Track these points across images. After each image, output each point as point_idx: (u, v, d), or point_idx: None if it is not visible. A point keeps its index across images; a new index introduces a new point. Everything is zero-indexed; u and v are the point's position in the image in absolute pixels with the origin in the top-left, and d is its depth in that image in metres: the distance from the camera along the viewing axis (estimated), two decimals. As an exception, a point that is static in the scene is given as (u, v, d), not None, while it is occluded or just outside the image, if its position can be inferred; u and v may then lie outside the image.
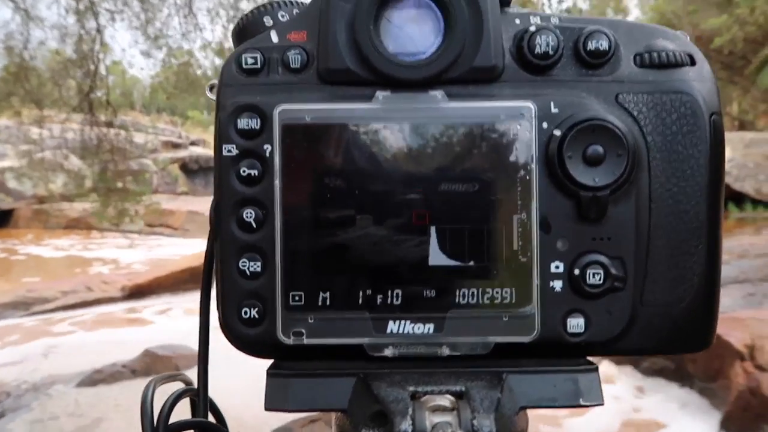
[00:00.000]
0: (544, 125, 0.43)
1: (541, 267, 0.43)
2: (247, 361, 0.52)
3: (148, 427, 0.50)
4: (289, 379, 0.44)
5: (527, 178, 0.43)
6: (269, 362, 0.47)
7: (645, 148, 0.45)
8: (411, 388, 0.42)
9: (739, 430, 4.32)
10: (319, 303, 0.44)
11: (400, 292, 0.43)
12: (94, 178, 6.89)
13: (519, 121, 0.43)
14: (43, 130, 7.33)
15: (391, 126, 0.43)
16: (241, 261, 0.44)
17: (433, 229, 0.43)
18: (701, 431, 4.49)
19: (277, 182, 0.44)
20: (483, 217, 0.43)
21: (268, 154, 0.44)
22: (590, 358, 0.46)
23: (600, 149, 0.43)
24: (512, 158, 0.43)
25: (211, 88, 0.48)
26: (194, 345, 0.60)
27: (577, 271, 0.43)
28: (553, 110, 0.44)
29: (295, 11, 0.48)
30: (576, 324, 0.44)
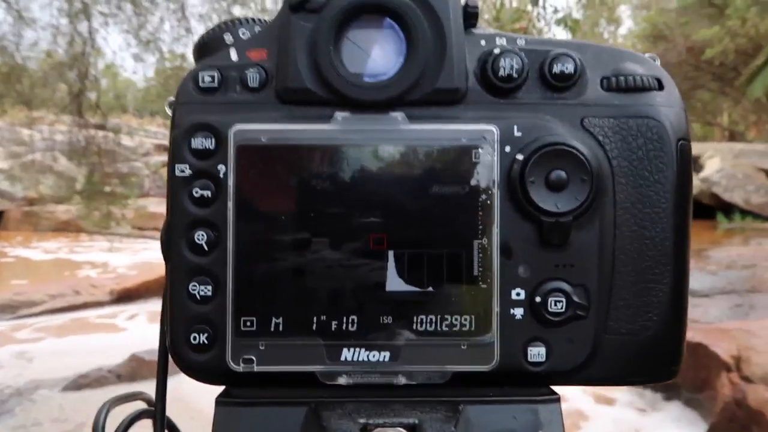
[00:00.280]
0: (507, 149, 0.43)
1: (501, 294, 0.42)
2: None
3: None
4: (239, 408, 0.43)
5: (489, 202, 0.42)
6: None
7: (610, 174, 0.44)
8: (362, 420, 0.41)
9: (726, 441, 4.33)
10: (271, 329, 0.42)
11: (355, 318, 0.42)
12: (83, 181, 6.86)
13: (481, 144, 0.42)
14: (33, 132, 7.29)
15: (349, 148, 0.42)
16: (191, 284, 0.43)
17: (390, 254, 0.42)
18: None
19: (230, 204, 0.42)
20: (442, 241, 0.42)
21: (222, 175, 0.43)
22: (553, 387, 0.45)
23: (563, 174, 0.42)
24: (474, 182, 0.42)
25: (170, 105, 0.47)
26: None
27: (538, 299, 0.42)
28: (516, 134, 0.43)
29: (257, 29, 0.47)
30: (537, 353, 0.43)
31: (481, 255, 0.42)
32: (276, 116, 0.43)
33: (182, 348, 0.43)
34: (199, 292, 0.43)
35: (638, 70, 0.45)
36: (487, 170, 0.42)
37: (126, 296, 8.46)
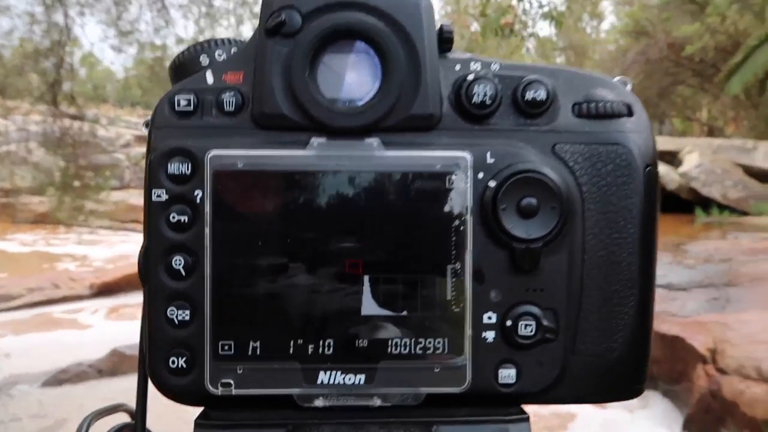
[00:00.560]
0: (480, 175, 0.43)
1: (473, 318, 0.43)
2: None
3: None
4: (217, 431, 0.43)
5: (462, 228, 0.43)
6: None
7: (580, 199, 0.45)
8: None
9: (700, 431, 4.43)
10: (249, 353, 0.43)
11: (332, 341, 0.43)
12: (58, 173, 6.74)
13: (455, 171, 0.43)
14: (8, 122, 7.15)
15: (325, 174, 0.43)
16: (169, 309, 0.43)
17: (366, 279, 0.43)
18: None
19: (207, 229, 0.43)
20: (417, 266, 0.43)
21: (198, 200, 0.43)
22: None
23: (534, 202, 0.43)
24: (447, 208, 0.43)
25: (147, 125, 0.47)
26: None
27: (509, 322, 0.43)
28: (489, 160, 0.44)
29: (233, 50, 0.47)
30: (507, 375, 0.44)
31: (454, 280, 0.43)
32: (252, 141, 0.44)
33: (161, 371, 0.43)
34: (177, 317, 0.43)
35: (608, 96, 0.46)
36: (461, 196, 0.43)
37: (106, 290, 8.38)
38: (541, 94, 0.45)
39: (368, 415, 0.44)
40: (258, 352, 0.43)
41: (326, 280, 0.43)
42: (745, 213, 11.35)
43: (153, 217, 0.43)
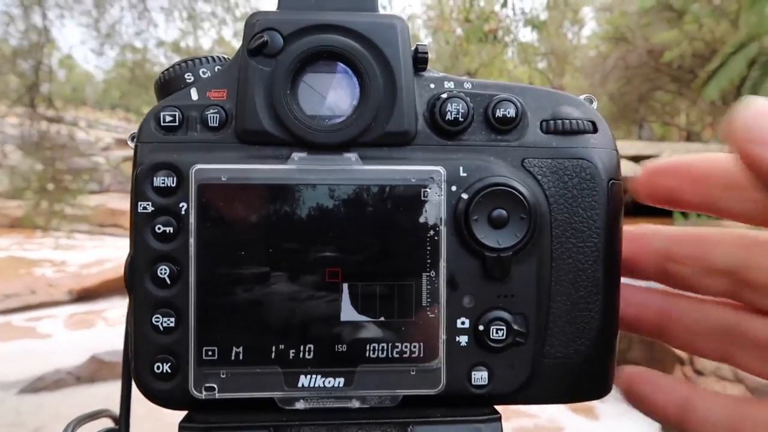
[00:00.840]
0: (453, 188, 0.46)
1: (448, 323, 0.46)
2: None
3: None
4: None
5: (436, 238, 0.45)
6: None
7: (548, 211, 0.47)
8: None
9: (678, 432, 4.50)
10: (232, 358, 0.45)
11: (312, 347, 0.45)
12: (35, 176, 6.64)
13: (429, 184, 0.45)
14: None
15: (306, 187, 0.45)
16: (154, 316, 0.45)
17: (345, 286, 0.45)
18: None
19: (192, 240, 0.44)
20: (393, 274, 0.45)
21: (183, 212, 0.45)
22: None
23: (504, 213, 0.46)
24: (422, 219, 0.45)
25: (133, 138, 0.49)
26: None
27: (481, 327, 0.46)
28: (462, 174, 0.46)
29: (216, 68, 0.49)
30: (480, 377, 0.46)
31: (429, 287, 0.45)
32: (235, 156, 0.46)
33: (146, 376, 0.45)
34: (162, 324, 0.45)
35: (574, 114, 0.49)
36: (435, 208, 0.45)
37: (86, 296, 8.27)
38: (511, 112, 0.47)
39: (347, 416, 0.46)
40: (241, 358, 0.45)
41: (306, 287, 0.45)
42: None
43: (139, 227, 0.45)
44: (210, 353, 0.44)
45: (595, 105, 0.51)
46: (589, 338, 0.48)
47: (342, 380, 0.45)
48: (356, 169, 0.45)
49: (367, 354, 0.45)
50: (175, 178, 0.45)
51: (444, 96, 0.47)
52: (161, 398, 0.45)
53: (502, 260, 0.46)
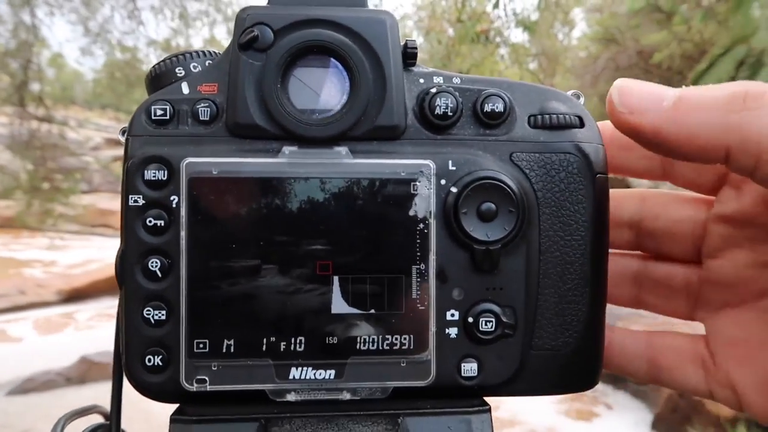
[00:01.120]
0: (442, 182, 0.46)
1: (437, 315, 0.46)
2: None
3: None
4: (192, 425, 0.45)
5: (426, 231, 0.46)
6: None
7: (536, 204, 0.48)
8: None
9: (668, 430, 4.54)
10: (223, 350, 0.45)
11: (303, 339, 0.45)
12: (25, 176, 6.59)
13: (419, 178, 0.46)
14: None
15: (296, 180, 0.45)
16: (145, 309, 0.45)
17: (336, 279, 0.45)
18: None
19: (182, 233, 0.45)
20: (383, 267, 0.46)
21: (174, 205, 0.45)
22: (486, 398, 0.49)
23: (492, 206, 0.46)
24: (412, 212, 0.46)
25: (123, 132, 0.49)
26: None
27: (471, 319, 0.46)
28: (451, 168, 0.46)
29: (207, 62, 0.49)
30: (469, 368, 0.47)
31: (418, 279, 0.46)
32: (226, 149, 0.46)
33: (137, 369, 0.45)
34: (153, 317, 0.45)
35: (561, 109, 0.49)
36: (425, 201, 0.46)
37: (76, 296, 8.21)
38: (499, 107, 0.48)
39: (338, 408, 0.46)
40: (232, 350, 0.45)
41: (297, 280, 0.45)
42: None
43: (130, 221, 0.45)
44: (201, 346, 0.45)
45: (582, 100, 0.51)
46: (577, 330, 0.49)
47: (333, 372, 0.45)
48: (346, 163, 0.46)
49: (357, 346, 0.45)
50: (166, 172, 0.45)
51: (433, 90, 0.47)
52: (152, 391, 0.45)
53: (491, 253, 0.46)
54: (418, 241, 0.46)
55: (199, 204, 0.45)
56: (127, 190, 0.45)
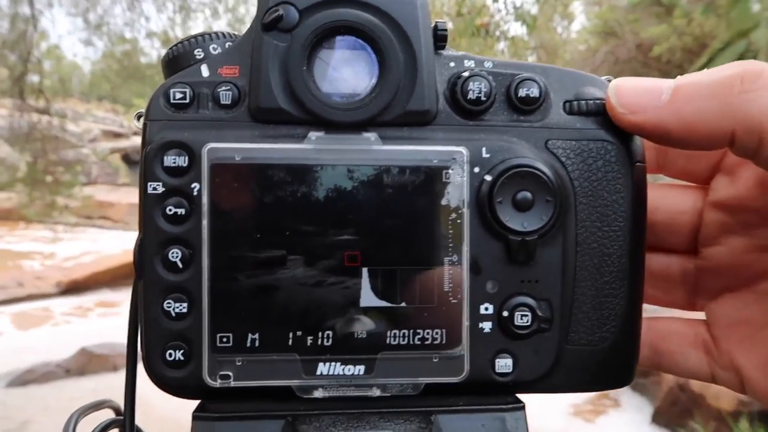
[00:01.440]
0: (476, 170, 0.44)
1: (471, 309, 0.44)
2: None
3: None
4: (215, 423, 0.43)
5: (458, 221, 0.44)
6: None
7: (572, 194, 0.46)
8: None
9: (668, 423, 4.55)
10: (248, 345, 0.43)
11: (330, 333, 0.43)
12: (25, 168, 6.56)
13: (451, 165, 0.44)
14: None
15: (323, 167, 0.43)
16: (166, 302, 0.43)
17: (364, 271, 0.43)
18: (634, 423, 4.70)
19: (204, 222, 0.43)
20: (414, 258, 0.44)
21: (195, 193, 0.43)
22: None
23: (529, 195, 0.44)
24: (444, 201, 0.44)
25: (139, 117, 0.47)
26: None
27: (505, 313, 0.44)
28: (485, 155, 0.44)
29: (227, 44, 0.47)
30: (504, 364, 0.45)
31: (451, 271, 0.44)
32: (249, 135, 0.44)
33: (158, 364, 0.43)
34: (174, 309, 0.43)
35: (597, 94, 0.47)
36: (457, 190, 0.44)
37: (74, 288, 8.19)
38: (534, 92, 0.46)
39: (367, 405, 0.44)
40: (256, 344, 0.43)
41: (324, 272, 0.43)
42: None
43: (149, 209, 0.43)
44: (224, 340, 0.43)
45: None
46: (615, 325, 0.47)
47: (362, 368, 0.44)
48: (376, 150, 0.44)
49: (387, 341, 0.44)
50: (186, 158, 0.43)
51: (465, 74, 0.45)
52: (174, 387, 0.44)
53: (526, 244, 0.44)
54: (451, 231, 0.44)
55: (221, 192, 0.43)
56: (146, 176, 0.43)
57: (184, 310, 0.43)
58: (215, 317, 0.43)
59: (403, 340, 0.44)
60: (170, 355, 0.43)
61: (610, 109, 0.46)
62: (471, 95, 0.45)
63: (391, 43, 0.44)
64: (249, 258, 0.43)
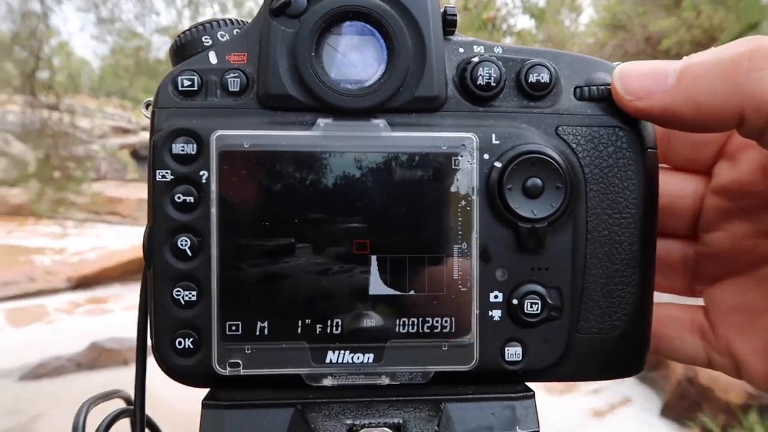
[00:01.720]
0: (486, 156, 0.44)
1: (480, 297, 0.44)
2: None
3: None
4: (225, 411, 0.43)
5: (468, 208, 0.43)
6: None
7: (583, 180, 0.46)
8: (348, 421, 0.42)
9: (677, 417, 4.53)
10: (257, 333, 0.43)
11: (339, 321, 0.43)
12: (36, 164, 6.61)
13: (461, 152, 0.44)
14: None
15: (332, 154, 0.43)
16: (175, 290, 0.43)
17: (373, 259, 0.43)
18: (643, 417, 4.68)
19: (213, 210, 0.43)
20: (423, 246, 0.43)
21: (204, 181, 0.43)
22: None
23: (539, 182, 0.44)
24: (453, 189, 0.43)
25: (147, 106, 0.47)
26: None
27: (515, 301, 0.44)
28: (494, 141, 0.44)
29: (235, 31, 0.46)
30: (514, 353, 0.44)
31: (460, 259, 0.43)
32: (258, 122, 0.44)
33: (167, 352, 0.43)
34: (183, 298, 0.43)
35: (608, 80, 0.47)
36: (467, 177, 0.43)
37: (84, 283, 8.25)
38: (545, 77, 0.45)
39: (376, 393, 0.44)
40: (266, 333, 0.43)
41: (333, 260, 0.43)
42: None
43: (157, 197, 0.43)
44: (234, 328, 0.43)
45: None
46: (625, 313, 0.46)
47: (371, 356, 0.43)
48: (385, 136, 0.43)
49: (397, 329, 0.43)
50: (195, 145, 0.43)
51: (475, 60, 0.45)
52: (183, 375, 0.44)
53: (536, 231, 0.44)
54: (460, 218, 0.43)
55: (230, 179, 0.42)
56: (154, 164, 0.43)
57: (194, 298, 0.43)
58: (224, 305, 0.43)
59: (412, 329, 0.43)
60: (180, 343, 0.43)
61: (615, 95, 0.45)
62: (481, 81, 0.45)
63: (399, 28, 0.44)
64: (258, 246, 0.43)
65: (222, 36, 0.46)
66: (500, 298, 0.44)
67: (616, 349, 0.47)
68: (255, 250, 0.43)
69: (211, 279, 0.42)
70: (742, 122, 0.42)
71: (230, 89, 0.44)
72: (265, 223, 0.43)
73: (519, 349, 0.44)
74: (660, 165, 0.49)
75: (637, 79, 0.44)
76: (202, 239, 0.43)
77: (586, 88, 0.46)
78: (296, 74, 0.43)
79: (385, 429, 0.41)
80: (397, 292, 0.43)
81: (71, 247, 10.44)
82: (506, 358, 0.44)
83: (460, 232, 0.43)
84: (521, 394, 0.45)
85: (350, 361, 0.43)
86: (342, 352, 0.43)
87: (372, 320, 0.43)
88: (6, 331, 6.79)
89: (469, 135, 0.44)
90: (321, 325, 0.43)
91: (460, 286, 0.44)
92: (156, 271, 0.43)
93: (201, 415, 0.44)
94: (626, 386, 5.03)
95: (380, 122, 0.44)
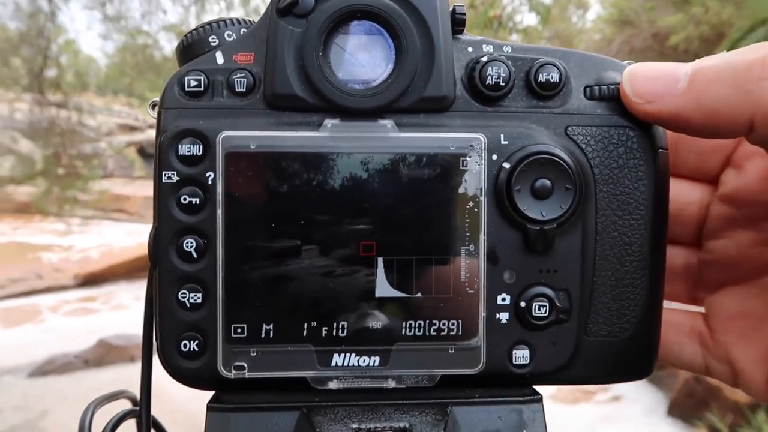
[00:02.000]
0: (494, 157, 0.43)
1: (487, 299, 0.43)
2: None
3: None
4: (230, 414, 0.43)
5: (476, 209, 0.43)
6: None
7: (592, 181, 0.45)
8: (354, 425, 0.42)
9: (684, 415, 4.51)
10: (262, 335, 0.42)
11: (345, 324, 0.43)
12: (44, 162, 6.64)
13: (469, 152, 0.43)
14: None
15: (339, 155, 0.42)
16: (180, 292, 0.42)
17: (380, 261, 0.43)
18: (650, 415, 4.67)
19: (219, 211, 0.42)
20: (431, 248, 0.43)
21: (210, 182, 0.42)
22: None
23: (548, 183, 0.43)
24: (461, 190, 0.43)
25: (153, 106, 0.46)
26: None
27: (523, 303, 0.44)
28: (503, 142, 0.43)
29: (242, 30, 0.46)
30: (521, 356, 0.44)
31: (468, 261, 0.43)
32: (264, 122, 0.43)
33: (172, 355, 0.43)
34: (188, 300, 0.42)
35: (619, 79, 0.46)
36: (475, 178, 0.43)
37: (91, 280, 8.30)
38: (554, 77, 0.45)
39: (383, 396, 0.44)
40: (271, 335, 0.43)
41: (340, 262, 0.42)
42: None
43: (163, 198, 0.43)
44: (239, 330, 0.42)
45: None
46: (635, 316, 0.46)
47: (377, 359, 0.43)
48: (392, 137, 0.43)
49: (403, 332, 0.43)
50: (201, 146, 0.42)
51: (484, 59, 0.44)
52: (188, 377, 0.43)
53: (545, 233, 0.43)
54: (468, 220, 0.43)
55: (236, 180, 0.42)
56: (160, 165, 0.43)
57: (199, 301, 0.42)
58: (230, 308, 0.42)
59: (419, 331, 0.43)
60: (185, 345, 0.43)
61: (624, 98, 0.45)
62: (489, 80, 0.44)
63: (408, 27, 0.43)
64: (263, 248, 0.42)
65: (229, 36, 0.46)
66: (508, 301, 0.44)
67: (625, 352, 0.46)
68: (261, 251, 0.42)
69: (217, 281, 0.42)
70: (752, 129, 0.41)
71: (237, 89, 0.44)
72: (271, 224, 0.42)
73: (527, 352, 0.44)
74: None
75: (647, 82, 0.44)
76: (207, 241, 0.42)
77: (596, 88, 0.46)
78: (303, 74, 0.43)
79: None
80: (404, 295, 0.43)
81: (78, 244, 10.48)
82: (514, 362, 0.44)
83: (467, 234, 0.43)
84: (529, 398, 0.45)
85: (356, 364, 0.43)
86: (348, 354, 0.43)
87: (378, 322, 0.43)
88: (5, 331, 6.84)
89: (478, 135, 0.43)
90: (327, 328, 0.43)
91: (467, 289, 0.43)
92: (161, 272, 0.43)
93: (206, 418, 0.43)
94: (632, 384, 5.01)
95: (388, 123, 0.43)
